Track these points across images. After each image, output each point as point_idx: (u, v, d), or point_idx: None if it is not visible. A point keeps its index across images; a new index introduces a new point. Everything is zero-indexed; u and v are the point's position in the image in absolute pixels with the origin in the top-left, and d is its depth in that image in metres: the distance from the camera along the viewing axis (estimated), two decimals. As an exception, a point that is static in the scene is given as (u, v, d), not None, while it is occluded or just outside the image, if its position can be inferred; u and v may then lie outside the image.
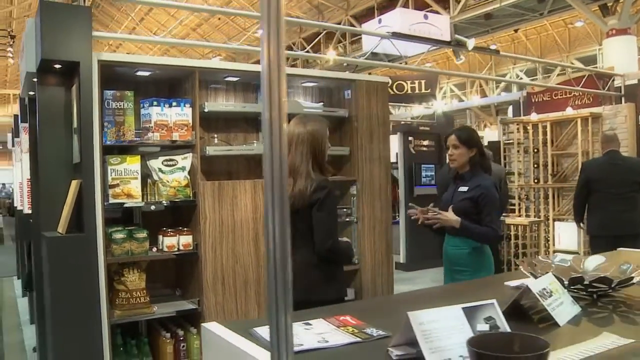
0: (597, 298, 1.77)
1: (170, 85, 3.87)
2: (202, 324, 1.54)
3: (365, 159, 4.28)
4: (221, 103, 4.00)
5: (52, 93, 3.32)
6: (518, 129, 6.78)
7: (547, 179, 6.59)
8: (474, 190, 3.04)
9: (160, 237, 3.58)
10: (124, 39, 4.60)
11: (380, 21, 7.16)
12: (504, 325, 1.23)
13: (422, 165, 8.22)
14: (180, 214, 3.78)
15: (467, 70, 20.00)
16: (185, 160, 3.64)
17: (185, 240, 3.59)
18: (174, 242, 3.57)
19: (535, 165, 6.65)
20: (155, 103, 3.54)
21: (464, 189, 3.10)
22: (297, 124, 2.64)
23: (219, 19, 21.13)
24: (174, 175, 3.57)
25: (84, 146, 3.19)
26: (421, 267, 7.88)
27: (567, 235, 6.33)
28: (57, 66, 3.23)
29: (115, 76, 3.59)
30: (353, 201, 4.28)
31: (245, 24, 20.43)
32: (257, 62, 18.23)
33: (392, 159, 9.06)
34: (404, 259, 8.21)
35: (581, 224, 5.10)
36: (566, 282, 1.73)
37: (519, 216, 6.65)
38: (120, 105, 3.39)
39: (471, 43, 4.67)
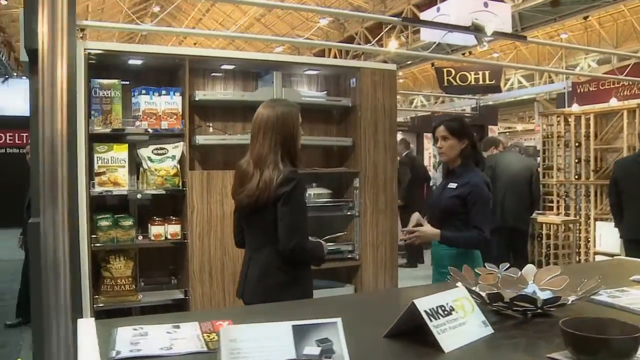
0: (531, 317, 1.56)
1: (170, 73, 3.82)
2: (78, 320, 1.47)
3: (370, 150, 4.10)
4: (217, 92, 3.93)
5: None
6: (559, 121, 6.33)
7: (589, 175, 6.12)
8: (462, 187, 2.81)
9: (150, 225, 3.58)
10: (113, 29, 4.62)
11: (438, 10, 6.85)
12: (342, 351, 1.07)
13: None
14: (173, 203, 3.77)
15: (535, 61, 19.02)
16: (176, 149, 3.60)
17: (173, 229, 3.57)
18: (161, 231, 3.55)
19: (577, 160, 6.19)
20: (143, 92, 3.52)
21: (453, 185, 2.86)
22: (265, 108, 2.41)
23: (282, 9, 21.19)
24: (163, 164, 3.55)
25: (70, 135, 3.20)
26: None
27: (608, 236, 5.85)
28: (45, 54, 3.25)
29: (112, 66, 3.61)
30: (355, 194, 4.11)
31: (308, 13, 20.30)
32: (321, 52, 18.13)
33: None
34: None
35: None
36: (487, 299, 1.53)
37: (558, 214, 6.22)
38: (107, 94, 3.39)
39: (490, 28, 4.34)
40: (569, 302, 1.53)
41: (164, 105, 3.54)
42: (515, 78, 22.35)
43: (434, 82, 11.76)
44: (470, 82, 10.24)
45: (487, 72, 10.16)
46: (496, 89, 10.97)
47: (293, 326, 1.07)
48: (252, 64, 4.05)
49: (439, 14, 6.44)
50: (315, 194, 4.07)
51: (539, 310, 1.52)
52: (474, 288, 1.62)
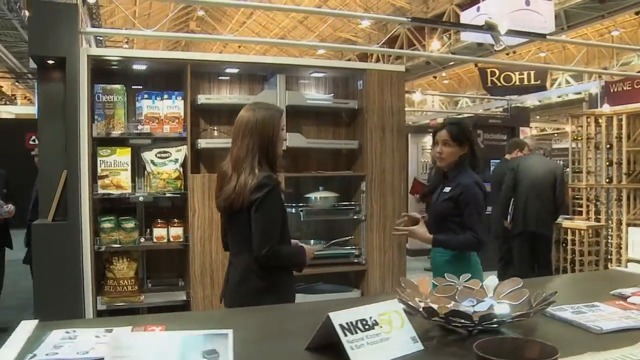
0: (476, 333, 1.48)
1: (178, 78, 3.87)
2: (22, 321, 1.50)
3: (376, 153, 4.04)
4: (221, 95, 3.96)
5: (48, 87, 3.46)
6: (589, 122, 6.05)
7: (621, 179, 5.82)
8: (454, 189, 2.71)
9: (153, 228, 3.63)
10: (113, 34, 4.71)
11: (478, 9, 6.68)
12: (227, 364, 1.05)
13: (491, 161, 7.63)
14: (176, 206, 3.81)
15: (585, 59, 18.32)
16: (179, 153, 3.65)
17: (175, 232, 3.62)
18: (164, 233, 3.60)
19: (608, 163, 5.90)
20: (146, 96, 3.58)
21: (446, 189, 2.76)
22: (246, 111, 2.37)
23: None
24: (166, 168, 3.60)
25: (69, 138, 3.31)
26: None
27: (643, 242, 5.57)
28: (50, 61, 3.36)
29: (116, 71, 3.69)
30: (362, 198, 4.06)
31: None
32: (364, 56, 18.11)
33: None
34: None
35: None
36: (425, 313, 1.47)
37: (587, 219, 5.94)
38: (110, 99, 3.46)
39: (504, 26, 4.18)
40: (510, 319, 1.45)
41: (166, 109, 3.59)
42: (563, 78, 21.54)
43: (480, 82, 11.50)
44: (515, 82, 9.96)
45: (532, 72, 9.87)
46: (541, 88, 10.59)
47: (183, 337, 1.05)
48: (256, 67, 4.05)
49: (478, 14, 6.25)
50: (322, 198, 4.04)
51: (479, 327, 1.44)
52: (418, 300, 1.56)
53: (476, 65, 13.73)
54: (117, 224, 3.50)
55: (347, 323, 1.27)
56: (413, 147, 8.92)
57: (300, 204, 4.03)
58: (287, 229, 2.42)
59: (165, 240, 3.61)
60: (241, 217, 2.34)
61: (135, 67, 3.68)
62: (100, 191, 3.46)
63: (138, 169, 3.68)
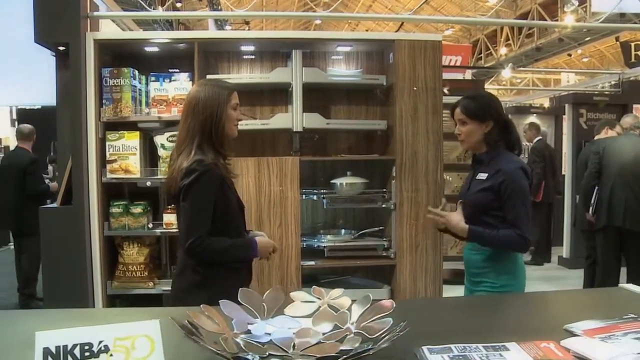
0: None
1: (191, 59, 3.75)
2: None
3: (407, 134, 3.58)
4: (232, 75, 3.74)
5: (62, 74, 3.50)
6: None
7: None
8: (493, 177, 2.27)
9: (163, 213, 3.56)
10: (121, 16, 4.61)
11: None
12: None
13: (597, 144, 6.61)
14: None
15: None
16: (189, 136, 3.51)
17: (184, 218, 3.50)
18: (172, 219, 3.50)
19: None
20: (153, 78, 3.49)
21: (482, 176, 2.33)
22: (194, 89, 2.18)
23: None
24: (175, 152, 3.49)
25: (74, 123, 3.32)
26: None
27: None
28: (61, 48, 3.39)
29: (127, 54, 3.65)
30: (392, 184, 3.63)
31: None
32: (493, 35, 16.98)
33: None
34: (567, 253, 6.79)
35: None
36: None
37: None
38: (117, 83, 3.42)
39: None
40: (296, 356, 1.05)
41: (173, 91, 3.47)
42: None
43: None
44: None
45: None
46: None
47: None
48: (277, 43, 3.77)
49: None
50: (348, 184, 3.68)
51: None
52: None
53: (617, 40, 12.10)
54: (125, 209, 3.47)
55: (56, 347, 0.99)
56: (513, 129, 8.02)
57: (323, 190, 3.71)
58: (232, 219, 2.17)
59: (174, 226, 3.50)
60: (178, 206, 2.15)
61: (148, 49, 3.60)
62: (109, 176, 3.44)
63: (150, 153, 3.61)
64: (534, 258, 6.93)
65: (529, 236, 2.23)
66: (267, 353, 1.12)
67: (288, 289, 1.59)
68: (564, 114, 7.18)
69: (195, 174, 2.03)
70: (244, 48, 3.77)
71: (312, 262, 3.61)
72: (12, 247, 5.91)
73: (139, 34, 4.57)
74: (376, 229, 3.79)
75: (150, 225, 3.51)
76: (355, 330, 1.19)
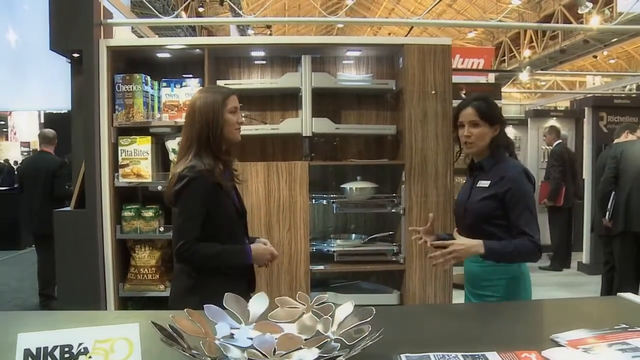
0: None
1: (201, 65, 3.80)
2: None
3: (417, 139, 3.56)
4: (243, 80, 3.78)
5: (77, 80, 3.58)
6: None
7: None
8: (497, 184, 2.17)
9: (174, 217, 3.60)
10: (134, 24, 4.63)
11: None
12: None
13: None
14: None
15: None
16: (200, 141, 3.56)
17: (194, 222, 3.54)
18: (183, 223, 3.54)
19: None
20: (164, 84, 3.55)
21: (484, 183, 2.22)
22: (193, 97, 2.20)
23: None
24: (186, 156, 3.54)
25: (87, 128, 3.39)
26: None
27: None
28: (76, 55, 3.47)
29: (140, 61, 3.71)
30: (402, 189, 3.62)
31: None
32: (517, 35, 16.79)
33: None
34: (587, 259, 6.67)
35: None
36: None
37: None
38: (129, 88, 3.48)
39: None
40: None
41: (184, 96, 3.52)
42: None
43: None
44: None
45: None
46: None
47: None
48: (287, 49, 3.79)
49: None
50: (358, 189, 3.68)
51: None
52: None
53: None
54: (137, 212, 3.53)
55: (37, 349, 1.01)
56: (533, 133, 7.93)
57: (332, 195, 3.72)
58: (227, 225, 2.15)
59: (185, 230, 3.55)
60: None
61: (160, 55, 3.66)
62: (121, 180, 3.50)
63: (161, 158, 3.67)
64: (553, 263, 6.82)
65: (540, 242, 2.13)
66: (246, 357, 1.13)
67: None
68: (584, 117, 7.07)
69: (185, 179, 2.05)
70: (254, 53, 3.80)
71: (322, 267, 3.62)
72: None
73: (149, 40, 4.64)
74: (386, 233, 3.79)
75: (162, 229, 3.56)
76: (335, 337, 1.19)
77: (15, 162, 16.91)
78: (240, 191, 2.35)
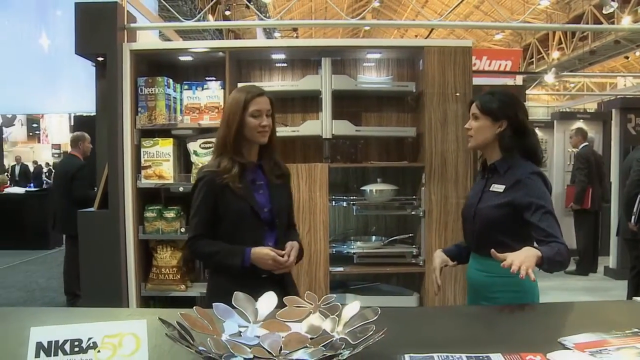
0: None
1: (223, 67, 3.85)
2: None
3: (437, 142, 3.55)
4: (264, 83, 3.81)
5: (102, 83, 3.67)
6: None
7: None
8: (512, 189, 2.05)
9: (196, 218, 3.65)
10: (157, 27, 4.66)
11: None
12: None
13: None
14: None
15: None
16: (221, 143, 3.61)
17: (215, 223, 3.59)
18: (203, 224, 3.59)
19: None
20: (186, 87, 3.60)
21: (498, 187, 2.10)
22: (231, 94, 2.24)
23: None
24: (207, 158, 3.58)
25: (110, 130, 3.47)
26: None
27: None
28: (100, 58, 3.55)
29: (164, 64, 3.78)
30: (422, 191, 3.61)
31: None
32: (545, 36, 16.51)
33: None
34: (614, 263, 6.52)
35: None
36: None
37: None
38: (152, 91, 3.55)
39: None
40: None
41: (205, 99, 3.57)
42: None
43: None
44: None
45: None
46: None
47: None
48: (308, 51, 3.82)
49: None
50: (378, 191, 3.68)
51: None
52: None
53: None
54: (159, 213, 3.59)
55: (48, 342, 1.05)
56: (559, 136, 7.79)
57: (352, 197, 3.72)
58: (232, 226, 2.11)
59: (205, 231, 3.60)
60: None
61: (182, 58, 3.73)
62: (144, 181, 3.57)
63: (183, 159, 3.73)
64: (579, 268, 6.69)
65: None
66: (251, 355, 1.15)
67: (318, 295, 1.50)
68: (612, 119, 6.93)
69: (197, 179, 2.16)
70: (275, 56, 3.84)
71: (341, 268, 3.63)
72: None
73: (172, 43, 4.72)
74: (406, 235, 3.78)
75: (183, 230, 3.61)
76: (340, 336, 1.21)
77: (47, 164, 17.36)
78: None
